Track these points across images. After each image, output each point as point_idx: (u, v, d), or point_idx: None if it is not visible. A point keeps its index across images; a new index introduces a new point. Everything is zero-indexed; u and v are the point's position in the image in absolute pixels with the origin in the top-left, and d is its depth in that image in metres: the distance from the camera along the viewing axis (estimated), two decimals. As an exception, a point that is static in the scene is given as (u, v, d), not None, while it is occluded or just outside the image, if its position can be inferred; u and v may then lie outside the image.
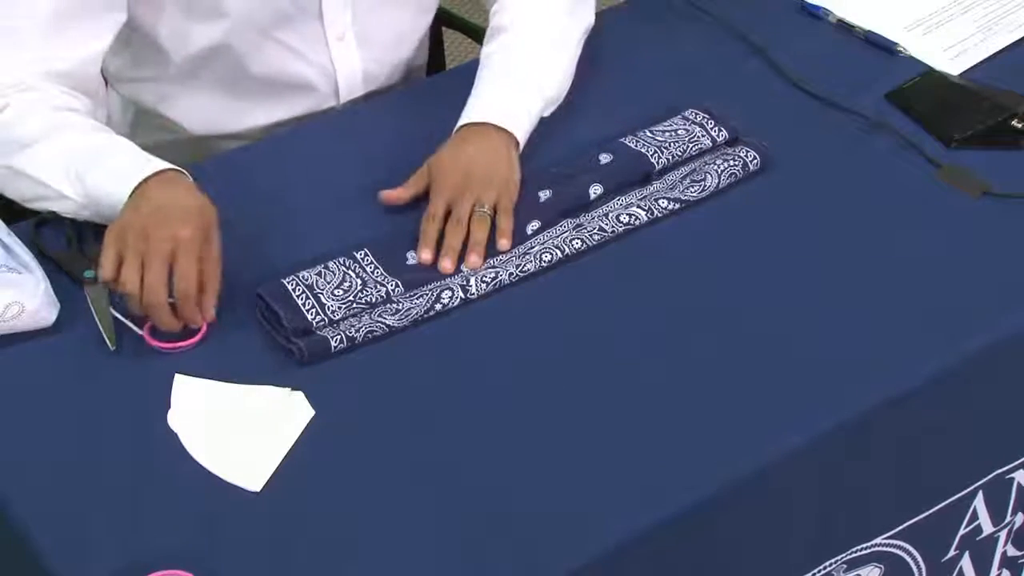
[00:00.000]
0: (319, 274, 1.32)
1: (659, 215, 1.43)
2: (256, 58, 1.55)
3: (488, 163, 1.43)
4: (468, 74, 1.70)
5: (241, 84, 1.58)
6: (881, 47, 1.68)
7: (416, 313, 1.31)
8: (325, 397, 1.25)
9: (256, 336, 1.31)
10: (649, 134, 1.50)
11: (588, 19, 1.62)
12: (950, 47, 1.68)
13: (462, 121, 1.48)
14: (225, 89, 1.58)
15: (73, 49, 1.43)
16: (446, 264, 1.36)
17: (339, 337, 1.28)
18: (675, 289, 1.37)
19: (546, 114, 1.53)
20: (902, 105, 1.59)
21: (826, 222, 1.44)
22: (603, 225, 1.40)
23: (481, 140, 1.46)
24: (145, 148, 1.39)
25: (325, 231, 1.40)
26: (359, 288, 1.32)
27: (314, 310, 1.29)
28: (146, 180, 1.32)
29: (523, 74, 1.53)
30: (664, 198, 1.43)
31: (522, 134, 1.48)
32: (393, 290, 1.32)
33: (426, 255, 1.37)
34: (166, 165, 1.34)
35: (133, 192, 1.31)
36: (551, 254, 1.37)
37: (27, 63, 1.41)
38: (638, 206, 1.42)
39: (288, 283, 1.32)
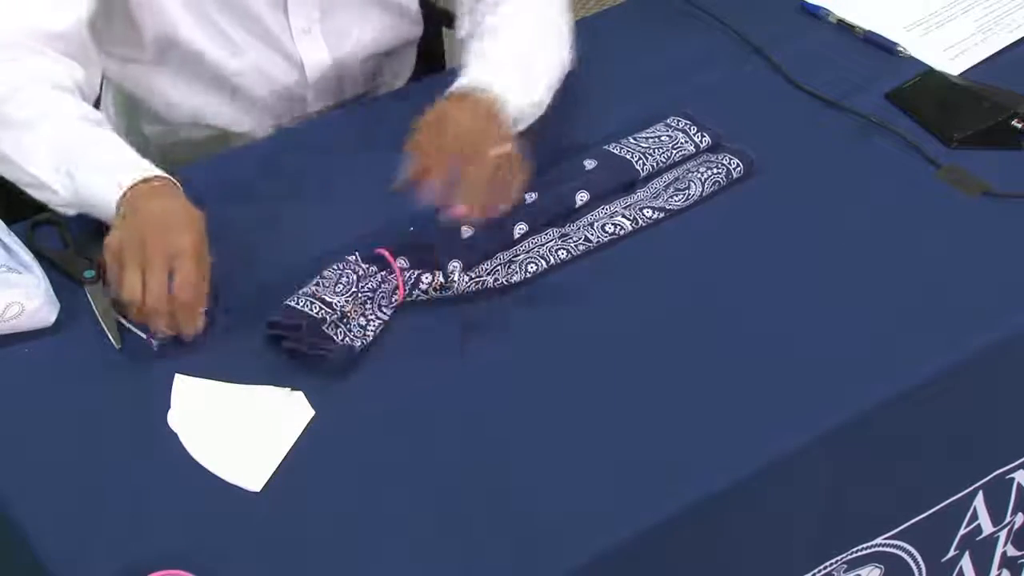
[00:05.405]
0: (317, 284, 1.32)
1: (644, 224, 1.42)
2: (220, 49, 1.55)
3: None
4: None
5: (208, 73, 1.57)
6: (881, 47, 1.68)
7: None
8: (325, 397, 1.25)
9: (256, 336, 1.30)
10: (633, 140, 1.50)
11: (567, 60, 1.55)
12: (950, 47, 1.68)
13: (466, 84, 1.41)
14: (194, 77, 1.58)
15: (65, 10, 1.42)
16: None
17: (359, 343, 1.28)
18: (675, 288, 1.37)
19: (516, 128, 1.42)
20: (902, 105, 1.59)
21: (826, 222, 1.44)
22: (588, 235, 1.40)
23: (489, 120, 1.37)
24: (143, 148, 1.38)
25: (322, 231, 1.40)
26: (355, 281, 1.32)
27: (322, 311, 1.29)
28: (135, 186, 1.30)
29: (535, 79, 1.48)
30: (648, 207, 1.43)
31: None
32: (386, 276, 1.33)
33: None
34: (156, 171, 1.33)
35: (123, 197, 1.29)
36: (536, 264, 1.37)
37: (20, 24, 1.39)
38: (623, 215, 1.42)
39: (296, 303, 1.31)
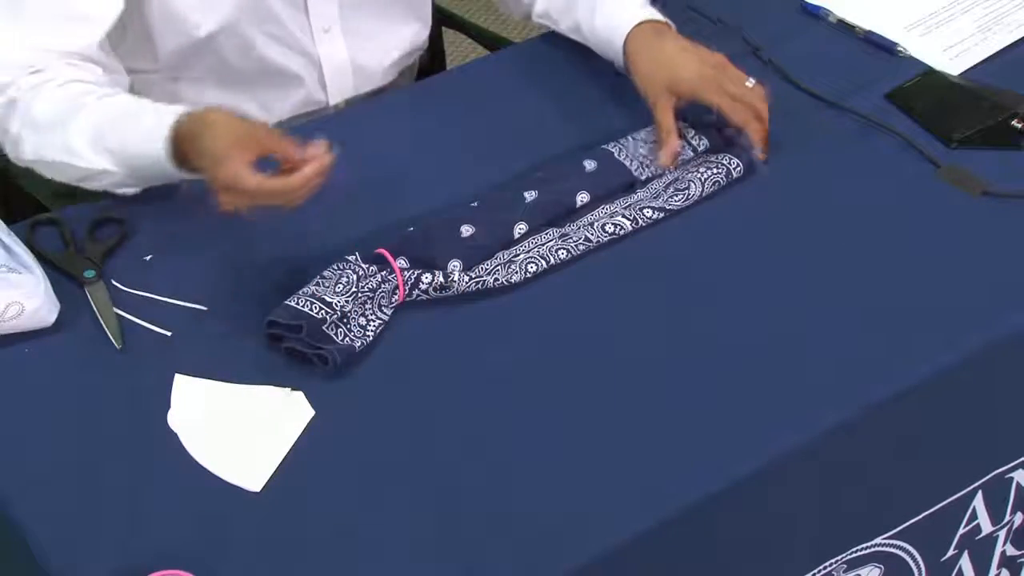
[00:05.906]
0: (317, 284, 1.32)
1: (644, 224, 1.43)
2: (241, 50, 1.55)
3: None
4: (468, 74, 1.71)
5: (227, 75, 1.57)
6: (881, 47, 1.68)
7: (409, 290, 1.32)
8: (325, 397, 1.25)
9: (256, 336, 1.30)
10: (632, 140, 1.50)
11: None
12: (950, 47, 1.68)
13: (638, 20, 1.54)
14: (212, 80, 1.58)
15: (81, 28, 1.43)
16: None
17: (359, 343, 1.28)
18: (675, 288, 1.37)
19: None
20: (902, 105, 1.59)
21: (826, 222, 1.44)
22: (588, 235, 1.40)
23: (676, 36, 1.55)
24: None
25: (322, 231, 1.40)
26: (356, 281, 1.32)
27: (322, 311, 1.29)
28: (174, 135, 1.31)
29: None
30: (649, 207, 1.43)
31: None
32: (387, 276, 1.33)
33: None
34: (176, 116, 1.33)
35: (174, 158, 1.32)
36: (536, 264, 1.37)
37: (35, 46, 1.41)
38: (623, 215, 1.42)
39: (296, 303, 1.31)
